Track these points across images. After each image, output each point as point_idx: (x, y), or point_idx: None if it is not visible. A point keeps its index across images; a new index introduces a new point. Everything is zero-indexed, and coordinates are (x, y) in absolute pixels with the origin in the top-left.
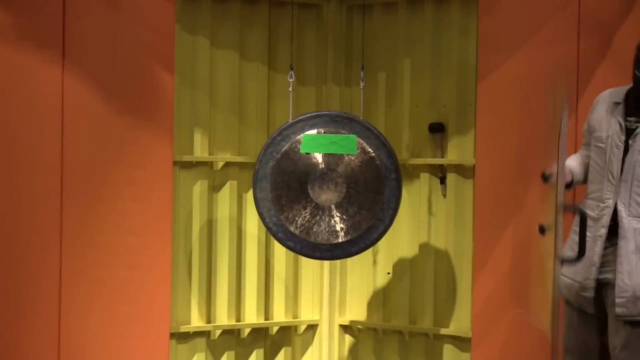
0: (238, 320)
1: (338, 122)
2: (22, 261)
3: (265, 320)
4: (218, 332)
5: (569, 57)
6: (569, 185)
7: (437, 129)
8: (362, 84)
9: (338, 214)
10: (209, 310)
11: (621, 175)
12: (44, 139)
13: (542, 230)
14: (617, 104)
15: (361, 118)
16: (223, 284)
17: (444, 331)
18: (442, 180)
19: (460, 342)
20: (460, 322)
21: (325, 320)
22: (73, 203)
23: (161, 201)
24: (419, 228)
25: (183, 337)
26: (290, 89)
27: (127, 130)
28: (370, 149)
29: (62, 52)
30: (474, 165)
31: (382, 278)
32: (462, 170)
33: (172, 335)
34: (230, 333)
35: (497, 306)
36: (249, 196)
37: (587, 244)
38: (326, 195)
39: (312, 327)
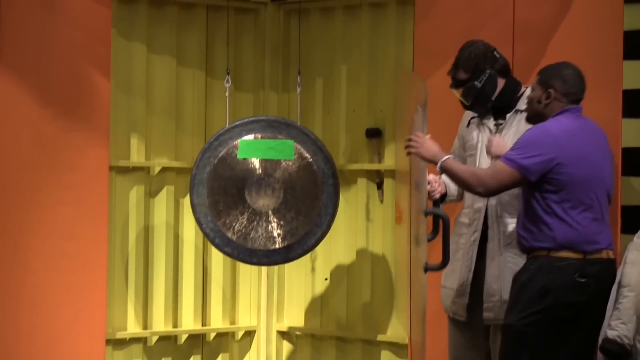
0: (175, 326)
1: (275, 127)
2: None
3: (202, 326)
4: (155, 338)
5: None
6: (442, 199)
7: (374, 134)
8: (298, 89)
9: (275, 220)
10: (146, 316)
11: None
12: None
13: (417, 241)
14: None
15: (298, 123)
16: (160, 289)
17: (381, 337)
18: (379, 186)
19: (398, 348)
20: (397, 329)
21: (263, 327)
22: (6, 206)
23: (97, 206)
24: (356, 233)
25: (119, 343)
26: (226, 94)
27: (62, 135)
28: (307, 154)
29: None
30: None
31: (320, 284)
32: None
33: (108, 342)
34: (167, 339)
35: (434, 312)
36: (186, 201)
37: (463, 249)
38: (263, 201)
39: (249, 334)
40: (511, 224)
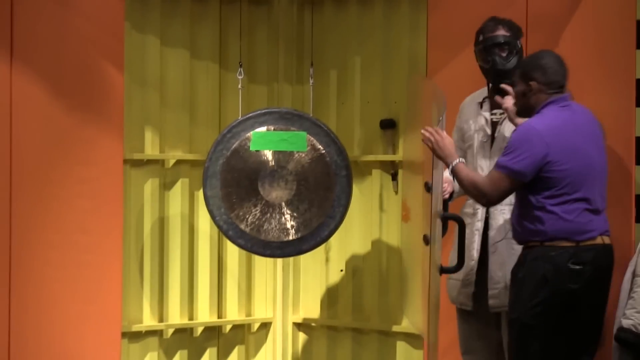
0: (191, 318)
1: (288, 119)
2: None
3: (218, 318)
4: (170, 331)
5: None
6: (450, 197)
7: (388, 125)
8: (311, 81)
9: (289, 212)
10: (161, 308)
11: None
12: None
13: (427, 240)
14: (480, 103)
15: (311, 115)
16: (175, 282)
17: (396, 328)
18: (394, 177)
19: (413, 338)
20: (412, 319)
21: (279, 318)
22: (22, 201)
23: (112, 199)
24: (371, 225)
25: (135, 336)
26: (239, 86)
27: (77, 129)
28: (320, 146)
29: (10, 50)
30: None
31: (335, 275)
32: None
33: (124, 335)
34: (183, 332)
35: (449, 302)
36: (201, 194)
37: (468, 239)
38: (276, 193)
39: (265, 325)
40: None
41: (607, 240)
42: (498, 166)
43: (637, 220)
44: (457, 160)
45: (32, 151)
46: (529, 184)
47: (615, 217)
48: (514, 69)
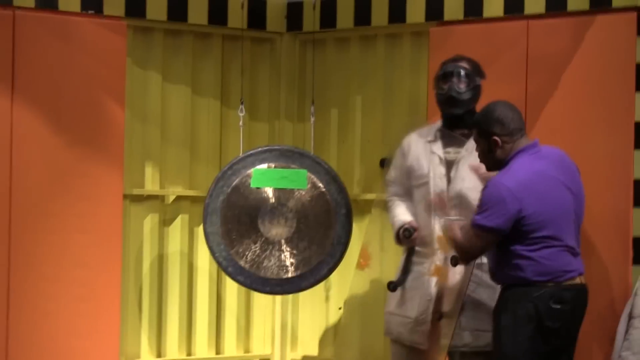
0: (189, 354)
1: (288, 156)
2: None
3: (216, 354)
4: None
5: (517, 94)
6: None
7: (389, 164)
8: (312, 119)
9: (288, 249)
10: (159, 343)
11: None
12: None
13: (390, 286)
14: (431, 141)
15: (312, 153)
16: (174, 317)
17: None
18: None
19: None
20: None
21: (277, 355)
22: (21, 235)
23: (111, 234)
24: (371, 263)
25: None
26: (240, 123)
27: (77, 163)
28: (320, 184)
29: (12, 84)
30: None
31: (334, 313)
32: None
33: None
34: None
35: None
36: (201, 230)
37: (423, 279)
38: (276, 230)
39: None
40: None
41: (583, 279)
42: (475, 224)
43: (635, 262)
44: (450, 218)
45: (32, 185)
46: (506, 234)
47: (612, 259)
48: (475, 98)
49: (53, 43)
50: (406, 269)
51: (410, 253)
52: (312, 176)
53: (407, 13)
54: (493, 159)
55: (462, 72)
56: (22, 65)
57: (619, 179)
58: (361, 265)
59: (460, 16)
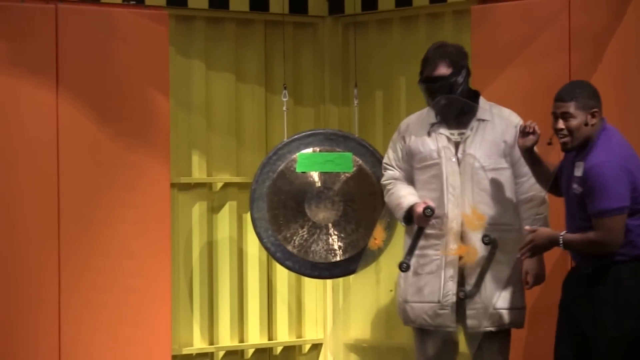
0: (241, 341)
1: (333, 140)
2: (21, 286)
3: (268, 340)
4: (221, 353)
5: (561, 70)
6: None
7: None
8: (355, 102)
9: (336, 232)
10: (212, 331)
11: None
12: (40, 164)
13: (403, 267)
14: (433, 124)
15: (356, 135)
16: (225, 304)
17: None
18: None
19: (463, 357)
20: (460, 338)
21: (330, 340)
22: (70, 227)
23: (159, 223)
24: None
25: (185, 359)
26: (284, 108)
27: (123, 154)
28: (366, 166)
29: (56, 77)
30: None
31: (385, 296)
32: None
33: (174, 358)
34: (234, 354)
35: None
36: (249, 216)
37: (437, 262)
38: (323, 214)
39: (316, 347)
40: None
41: None
42: (606, 211)
43: None
44: (561, 234)
45: (79, 178)
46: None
47: None
48: (463, 93)
49: (95, 35)
50: (412, 250)
51: (418, 234)
52: (358, 159)
53: None
54: (586, 134)
55: (442, 84)
56: (66, 59)
57: None
58: (374, 244)
59: None
